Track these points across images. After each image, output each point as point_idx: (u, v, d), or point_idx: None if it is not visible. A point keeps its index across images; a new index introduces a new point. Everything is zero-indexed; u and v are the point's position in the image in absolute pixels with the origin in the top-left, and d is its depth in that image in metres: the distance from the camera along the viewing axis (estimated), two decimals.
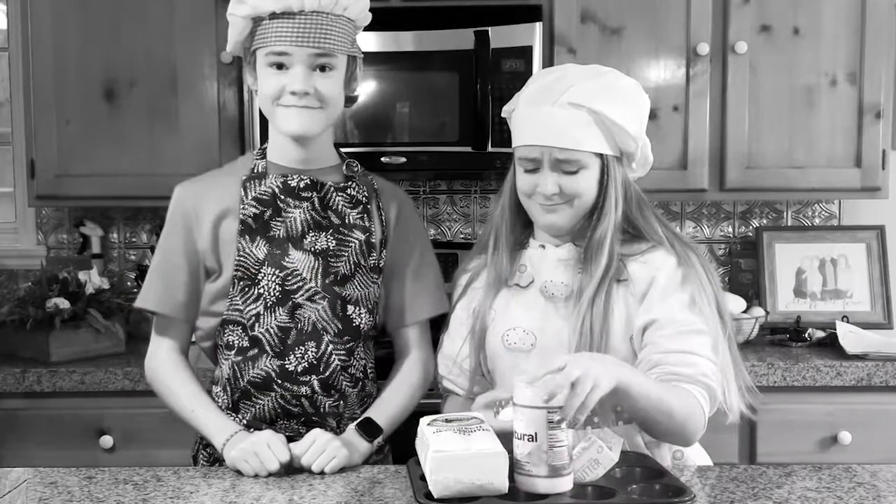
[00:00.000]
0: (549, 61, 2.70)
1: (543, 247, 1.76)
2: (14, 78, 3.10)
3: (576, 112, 1.65)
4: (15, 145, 3.14)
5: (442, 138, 2.67)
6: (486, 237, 1.82)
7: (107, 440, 2.54)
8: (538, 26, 2.64)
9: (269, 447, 1.62)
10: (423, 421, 1.55)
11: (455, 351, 1.81)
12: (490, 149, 2.65)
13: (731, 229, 3.16)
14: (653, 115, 2.71)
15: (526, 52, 2.63)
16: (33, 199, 2.83)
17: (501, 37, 2.62)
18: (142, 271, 2.97)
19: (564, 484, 1.42)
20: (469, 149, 2.65)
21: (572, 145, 1.66)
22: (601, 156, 1.68)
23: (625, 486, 1.43)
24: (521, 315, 1.73)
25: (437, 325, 1.90)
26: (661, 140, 2.72)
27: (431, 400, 1.92)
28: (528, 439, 1.41)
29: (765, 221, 3.15)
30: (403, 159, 2.64)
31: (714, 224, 3.16)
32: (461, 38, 2.63)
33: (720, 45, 2.74)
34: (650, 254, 1.70)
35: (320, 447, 1.64)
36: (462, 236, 3.16)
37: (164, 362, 1.81)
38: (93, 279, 2.77)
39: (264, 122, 2.66)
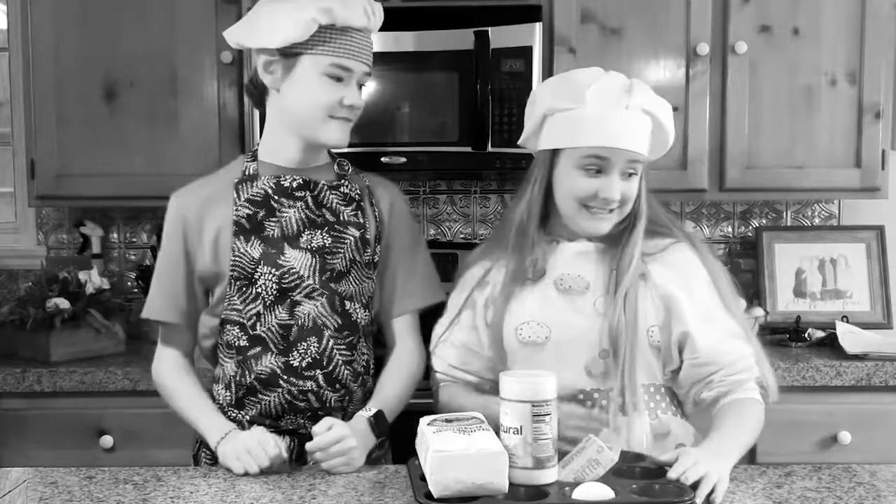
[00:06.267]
0: (549, 61, 2.70)
1: (557, 242, 1.77)
2: (14, 78, 3.10)
3: (644, 118, 1.71)
4: (15, 145, 3.14)
5: (442, 138, 2.67)
6: (507, 233, 1.80)
7: (107, 440, 2.54)
8: (538, 26, 2.64)
9: (259, 444, 1.64)
10: (423, 421, 1.55)
11: (470, 340, 1.78)
12: (490, 149, 2.65)
13: (730, 229, 3.16)
14: None
15: (526, 52, 2.63)
16: (33, 199, 2.83)
17: (501, 37, 2.62)
18: (142, 271, 2.97)
19: (549, 476, 1.46)
20: (469, 149, 2.65)
21: (641, 150, 1.71)
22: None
23: (625, 486, 1.43)
24: (535, 308, 1.73)
25: (427, 316, 1.91)
26: None
27: (432, 400, 1.92)
28: (514, 432, 1.45)
29: (764, 221, 3.15)
30: (403, 159, 2.63)
31: (714, 224, 3.16)
32: (461, 39, 2.63)
33: (720, 45, 2.74)
34: (671, 254, 1.75)
35: (341, 450, 1.65)
36: (462, 236, 3.16)
37: (168, 368, 1.86)
38: (93, 279, 2.77)
39: (264, 123, 2.68)
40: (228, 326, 1.78)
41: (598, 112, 1.68)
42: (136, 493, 1.53)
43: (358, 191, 1.84)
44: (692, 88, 2.74)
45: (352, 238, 1.80)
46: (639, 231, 1.74)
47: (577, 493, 1.40)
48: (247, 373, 1.77)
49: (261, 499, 1.51)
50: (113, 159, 2.78)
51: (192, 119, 2.77)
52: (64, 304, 2.65)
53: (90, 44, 2.76)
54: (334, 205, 1.81)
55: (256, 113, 2.66)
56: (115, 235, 3.17)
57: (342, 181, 1.83)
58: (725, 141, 2.76)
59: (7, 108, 3.17)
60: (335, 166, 1.85)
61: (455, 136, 2.66)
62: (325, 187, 1.81)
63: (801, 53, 2.75)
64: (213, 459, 1.81)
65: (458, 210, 3.16)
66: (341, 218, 1.80)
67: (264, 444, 1.64)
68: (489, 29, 2.61)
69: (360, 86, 1.78)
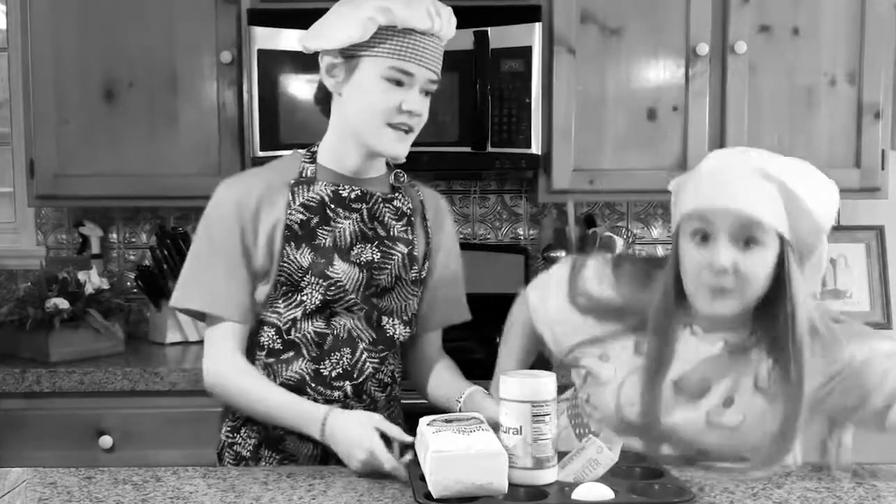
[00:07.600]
0: (548, 61, 2.71)
1: (694, 333, 1.63)
2: (14, 78, 3.10)
3: (763, 182, 1.49)
4: (15, 145, 3.14)
5: (441, 138, 2.67)
6: (654, 307, 1.63)
7: (106, 440, 2.53)
8: (538, 26, 2.64)
9: (367, 444, 1.58)
10: (423, 421, 1.55)
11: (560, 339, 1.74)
12: (489, 149, 2.65)
13: None
14: (652, 116, 2.73)
15: (525, 52, 2.63)
16: (33, 199, 2.83)
17: (501, 37, 2.62)
18: (141, 272, 2.97)
19: (548, 476, 1.45)
20: (468, 149, 2.65)
21: (751, 211, 1.48)
22: (781, 239, 1.51)
23: (625, 487, 1.43)
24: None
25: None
26: (660, 140, 2.72)
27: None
28: (514, 432, 1.45)
29: None
30: (403, 159, 2.63)
31: None
32: (461, 38, 2.59)
33: (720, 46, 2.74)
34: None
35: None
36: (462, 236, 3.15)
37: (233, 369, 1.72)
38: (92, 279, 2.77)
39: (264, 123, 2.69)
40: (265, 328, 1.75)
41: (706, 176, 1.57)
42: (135, 494, 1.53)
43: (410, 205, 1.80)
44: (692, 88, 2.74)
45: (399, 255, 1.77)
46: (803, 328, 1.53)
47: (577, 494, 1.40)
48: (273, 376, 1.75)
49: (261, 499, 1.50)
50: (112, 159, 2.78)
51: (192, 119, 2.77)
52: (63, 304, 2.65)
53: (90, 44, 2.76)
54: (386, 219, 1.77)
55: (256, 113, 2.66)
56: (115, 235, 3.17)
57: (396, 194, 1.80)
58: (725, 141, 2.76)
59: (7, 108, 3.17)
60: (391, 177, 1.80)
61: (455, 136, 2.66)
62: (380, 199, 1.77)
63: (801, 54, 2.75)
64: (237, 461, 1.81)
65: (458, 210, 3.16)
66: (391, 233, 1.77)
67: (380, 456, 1.57)
68: (489, 29, 2.61)
69: (427, 93, 1.71)
